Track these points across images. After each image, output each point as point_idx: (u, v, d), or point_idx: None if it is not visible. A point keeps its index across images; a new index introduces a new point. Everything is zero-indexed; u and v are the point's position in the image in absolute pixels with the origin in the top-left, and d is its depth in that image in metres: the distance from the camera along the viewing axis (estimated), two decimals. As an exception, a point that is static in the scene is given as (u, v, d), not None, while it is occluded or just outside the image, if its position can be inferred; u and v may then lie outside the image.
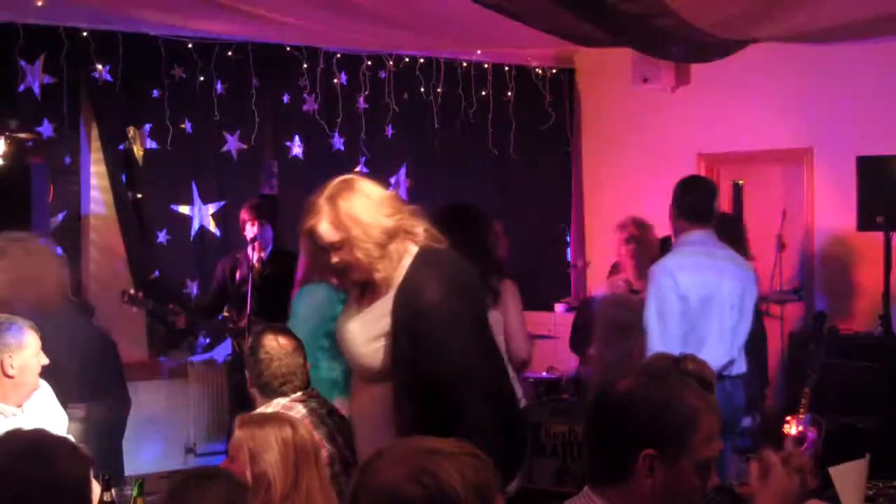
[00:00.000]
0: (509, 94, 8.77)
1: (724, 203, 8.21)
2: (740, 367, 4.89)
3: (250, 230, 6.60)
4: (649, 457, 2.10)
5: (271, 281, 6.44)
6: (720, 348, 4.77)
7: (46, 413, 4.01)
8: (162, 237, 7.23)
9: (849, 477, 2.57)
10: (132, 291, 6.56)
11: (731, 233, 5.37)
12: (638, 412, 2.13)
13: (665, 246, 6.69)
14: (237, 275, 6.70)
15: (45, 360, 3.92)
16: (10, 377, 3.79)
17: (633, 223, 5.93)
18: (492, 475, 1.77)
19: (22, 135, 6.23)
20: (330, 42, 7.68)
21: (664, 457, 2.10)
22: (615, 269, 7.30)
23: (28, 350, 3.84)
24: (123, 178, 7.10)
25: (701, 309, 4.74)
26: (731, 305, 4.81)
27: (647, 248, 5.85)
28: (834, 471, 2.55)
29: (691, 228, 4.83)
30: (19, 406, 3.87)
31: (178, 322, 6.61)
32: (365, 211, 3.22)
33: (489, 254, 4.91)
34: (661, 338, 4.67)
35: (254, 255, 6.60)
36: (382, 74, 8.16)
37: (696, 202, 4.88)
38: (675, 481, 2.12)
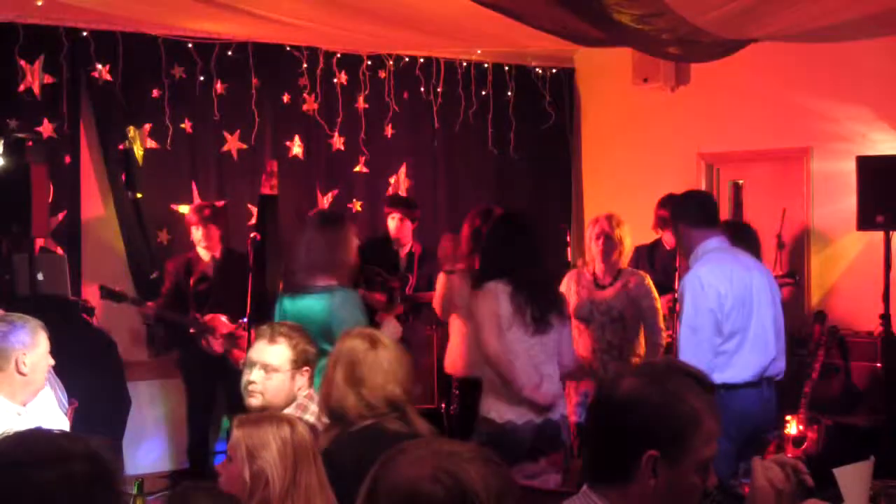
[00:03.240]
0: (509, 94, 8.77)
1: (723, 203, 8.23)
2: (778, 366, 4.94)
3: (196, 232, 6.71)
4: (653, 458, 2.09)
5: (226, 280, 6.63)
6: (763, 349, 4.83)
7: (47, 415, 4.01)
8: (162, 237, 7.23)
9: (854, 478, 2.57)
10: (109, 287, 6.58)
11: (748, 239, 5.44)
12: (641, 413, 2.12)
13: (655, 252, 6.70)
14: (193, 275, 6.73)
15: (52, 361, 3.93)
16: (22, 374, 3.81)
17: (607, 220, 5.98)
18: (510, 482, 1.77)
19: (22, 135, 6.23)
20: (330, 42, 7.68)
21: (667, 457, 2.10)
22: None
23: (40, 349, 3.86)
24: (123, 178, 7.09)
25: (741, 311, 4.80)
26: (768, 303, 4.89)
27: (615, 246, 5.92)
28: (839, 472, 2.55)
29: (710, 235, 4.90)
30: (24, 405, 3.87)
31: (146, 312, 6.62)
32: None
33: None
34: (694, 350, 4.71)
35: (206, 254, 6.73)
36: (382, 74, 8.16)
37: (709, 208, 5.03)
38: (676, 482, 2.11)
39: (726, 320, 4.76)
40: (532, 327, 4.90)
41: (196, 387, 6.78)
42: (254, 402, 3.74)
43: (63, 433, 1.90)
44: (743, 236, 5.36)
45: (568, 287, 6.01)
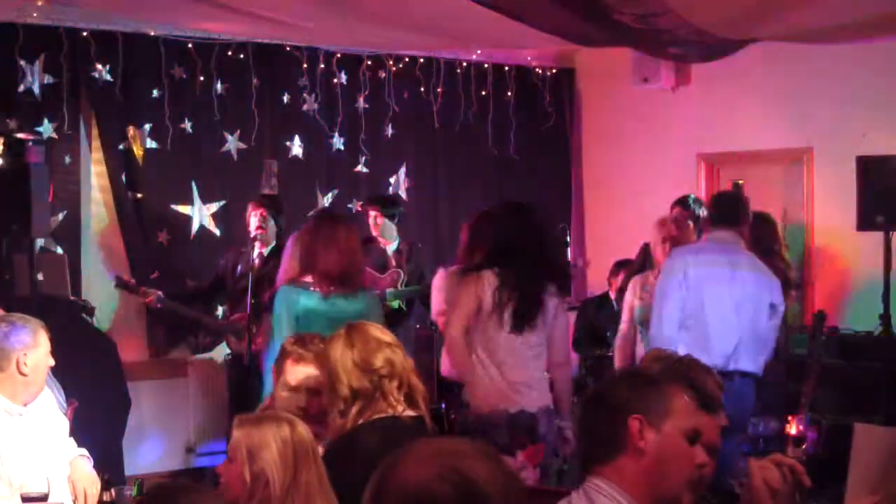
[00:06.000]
0: (509, 94, 8.76)
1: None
2: (747, 364, 5.07)
3: (254, 220, 6.57)
4: (638, 421, 2.27)
5: (268, 278, 6.30)
6: (725, 339, 5.04)
7: (48, 416, 4.01)
8: (162, 237, 7.23)
9: (871, 441, 2.49)
10: (125, 277, 6.55)
11: (760, 233, 5.65)
12: (621, 387, 2.40)
13: (644, 253, 6.72)
14: (238, 269, 6.69)
15: (52, 362, 3.93)
16: (23, 375, 3.80)
17: (674, 223, 5.91)
18: (517, 479, 1.80)
19: (22, 135, 6.23)
20: (330, 42, 7.68)
21: (651, 420, 2.28)
22: (618, 269, 7.28)
23: (41, 349, 3.86)
24: (123, 178, 7.09)
25: (707, 299, 5.08)
26: (742, 301, 5.09)
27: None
28: (860, 427, 2.54)
29: (716, 229, 5.28)
30: (25, 405, 3.87)
31: (149, 302, 6.57)
32: None
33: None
34: (661, 319, 5.13)
35: (255, 250, 6.61)
36: (382, 74, 8.16)
37: (722, 205, 5.46)
38: (665, 447, 2.27)
39: (690, 301, 5.11)
40: (509, 324, 4.79)
41: (235, 386, 6.67)
42: None
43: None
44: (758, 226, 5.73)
45: (633, 292, 5.90)
